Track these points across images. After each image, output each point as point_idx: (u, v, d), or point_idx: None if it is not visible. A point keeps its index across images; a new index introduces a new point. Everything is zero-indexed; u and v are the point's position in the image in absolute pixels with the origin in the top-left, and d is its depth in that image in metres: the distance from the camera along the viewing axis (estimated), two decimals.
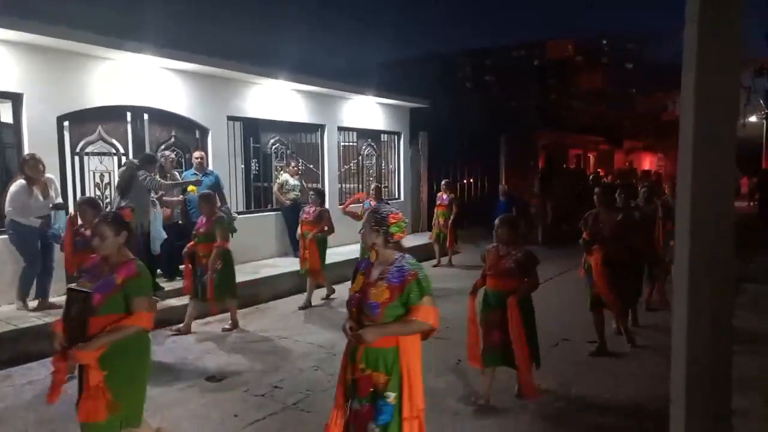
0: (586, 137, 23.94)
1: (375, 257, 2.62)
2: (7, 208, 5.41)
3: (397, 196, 12.13)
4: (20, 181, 5.41)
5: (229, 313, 6.01)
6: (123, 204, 6.05)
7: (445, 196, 9.69)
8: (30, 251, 5.53)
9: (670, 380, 2.02)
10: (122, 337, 2.68)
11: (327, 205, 10.01)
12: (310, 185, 9.91)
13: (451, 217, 9.52)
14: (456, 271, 9.38)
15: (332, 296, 7.20)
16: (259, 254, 8.52)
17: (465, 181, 14.48)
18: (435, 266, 9.57)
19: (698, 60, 1.73)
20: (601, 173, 21.39)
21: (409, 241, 10.79)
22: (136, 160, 6.36)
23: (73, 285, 2.88)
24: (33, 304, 5.64)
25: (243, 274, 7.47)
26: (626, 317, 5.38)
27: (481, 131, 15.14)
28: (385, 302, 2.45)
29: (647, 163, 30.29)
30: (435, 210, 9.80)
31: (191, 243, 5.77)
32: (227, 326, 5.93)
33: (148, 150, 6.98)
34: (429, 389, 4.28)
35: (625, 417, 3.87)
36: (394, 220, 2.58)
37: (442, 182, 10.28)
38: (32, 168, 5.45)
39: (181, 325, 5.78)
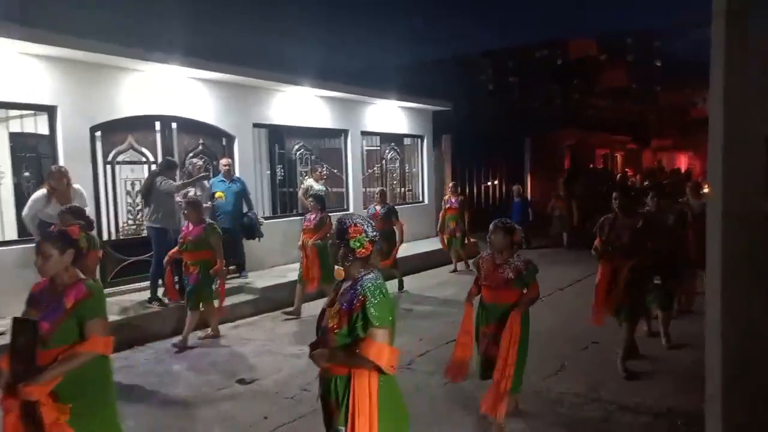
0: (612, 136, 23.55)
1: (343, 274, 2.35)
2: (24, 212, 5.59)
3: (421, 200, 12.12)
4: (42, 191, 5.57)
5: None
6: (147, 210, 6.20)
7: (454, 199, 9.37)
8: None
9: (701, 381, 1.98)
10: (76, 366, 2.36)
11: (352, 209, 10.18)
12: (334, 190, 10.01)
13: (466, 220, 9.26)
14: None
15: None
16: (285, 259, 8.61)
17: (490, 183, 14.39)
18: (452, 272, 9.33)
19: (726, 55, 1.70)
20: (629, 173, 21.00)
21: (434, 244, 10.78)
22: (157, 167, 6.53)
23: (18, 315, 2.56)
24: None
25: (269, 278, 7.58)
26: (635, 327, 4.86)
27: (505, 133, 15.04)
28: (333, 328, 2.21)
29: (678, 162, 29.60)
30: (442, 215, 9.44)
31: (175, 250, 5.63)
32: (203, 335, 5.81)
33: (176, 158, 7.14)
34: (459, 388, 4.29)
35: (656, 418, 3.79)
36: (354, 234, 2.27)
37: (449, 185, 9.98)
38: (56, 179, 5.60)
39: (205, 332, 5.84)
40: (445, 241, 9.36)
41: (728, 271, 1.76)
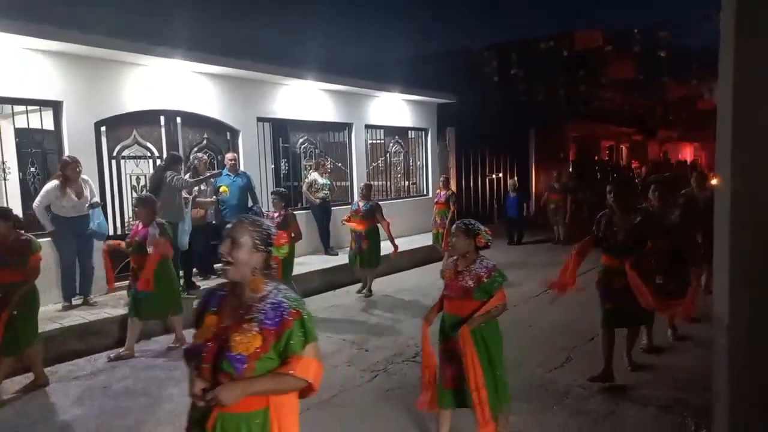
0: (617, 128, 23.40)
1: (246, 288, 1.92)
2: (35, 203, 5.65)
3: (425, 193, 12.10)
4: (54, 182, 5.61)
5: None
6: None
7: (442, 193, 9.06)
8: (63, 247, 5.78)
9: (708, 375, 1.97)
10: None
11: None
12: (338, 183, 10.00)
13: (449, 216, 8.80)
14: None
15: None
16: None
17: (494, 176, 14.34)
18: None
19: (736, 46, 1.68)
20: (635, 165, 20.88)
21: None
22: (163, 162, 6.54)
23: None
24: (77, 302, 5.88)
25: None
26: (636, 339, 4.56)
27: (510, 125, 14.96)
28: (256, 353, 1.80)
29: (684, 153, 29.42)
30: (434, 209, 9.20)
31: (115, 242, 5.22)
32: (172, 344, 5.34)
33: (181, 152, 7.15)
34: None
35: (665, 411, 3.79)
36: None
37: (440, 178, 9.77)
38: (72, 169, 5.68)
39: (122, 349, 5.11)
40: (433, 236, 9.22)
41: (736, 266, 1.75)
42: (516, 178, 12.06)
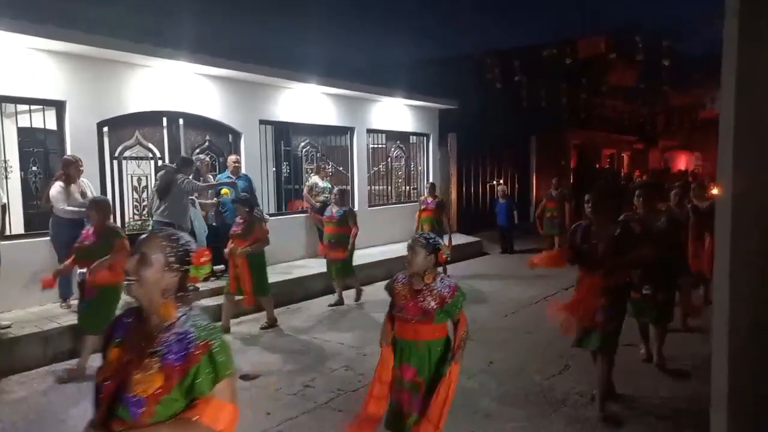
0: (619, 136, 23.44)
1: (152, 314, 1.64)
2: (54, 205, 5.57)
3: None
4: (59, 183, 5.58)
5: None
6: (159, 205, 6.23)
7: (430, 200, 8.61)
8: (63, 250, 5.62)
9: (708, 383, 1.97)
10: None
11: (357, 207, 10.18)
12: (339, 187, 10.00)
13: (444, 224, 8.57)
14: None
15: (268, 328, 6.07)
16: (290, 255, 8.64)
17: (495, 182, 14.35)
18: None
19: (739, 54, 1.68)
20: (636, 173, 20.90)
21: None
22: (174, 165, 6.54)
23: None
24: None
25: (275, 274, 7.57)
26: (612, 361, 3.92)
27: (512, 131, 14.98)
28: (157, 394, 1.52)
29: (683, 162, 29.45)
30: (417, 216, 8.69)
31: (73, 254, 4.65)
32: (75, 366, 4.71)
33: (183, 154, 7.16)
34: (461, 388, 4.29)
35: (663, 419, 3.78)
36: (200, 260, 1.70)
37: (426, 185, 9.39)
38: (75, 168, 5.67)
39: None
40: None
41: (737, 273, 1.75)
42: (504, 184, 11.74)
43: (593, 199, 3.93)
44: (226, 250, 5.89)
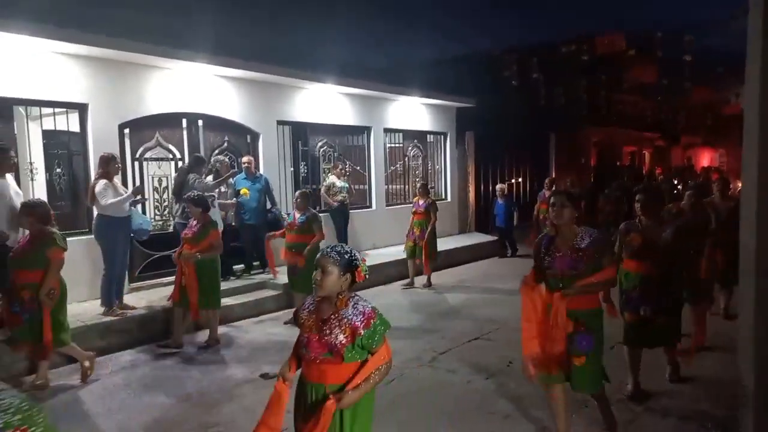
0: (640, 133, 23.08)
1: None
2: (102, 203, 5.49)
3: (444, 197, 12.07)
4: (103, 181, 5.56)
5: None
6: (177, 207, 6.29)
7: (421, 202, 8.03)
8: (115, 249, 5.61)
9: (733, 386, 1.92)
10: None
11: (374, 206, 10.19)
12: (357, 186, 10.03)
13: (429, 228, 7.91)
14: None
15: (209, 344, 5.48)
16: None
17: (513, 181, 14.24)
18: (406, 287, 8.01)
19: (764, 48, 1.63)
20: (658, 171, 20.56)
21: (458, 241, 10.75)
22: (186, 164, 6.62)
23: None
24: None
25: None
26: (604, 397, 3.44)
27: (530, 129, 14.85)
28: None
29: (706, 159, 28.88)
30: (411, 220, 8.12)
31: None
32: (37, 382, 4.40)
33: (202, 154, 7.24)
34: (477, 390, 4.27)
35: (686, 421, 3.70)
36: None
37: (417, 185, 8.77)
38: (114, 165, 5.69)
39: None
40: (407, 249, 8.10)
41: (763, 273, 1.71)
42: (503, 184, 10.98)
43: (556, 201, 3.22)
44: (174, 255, 5.40)
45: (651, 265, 3.91)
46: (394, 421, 3.79)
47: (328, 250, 2.31)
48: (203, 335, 5.69)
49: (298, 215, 6.12)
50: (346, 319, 2.24)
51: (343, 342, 2.20)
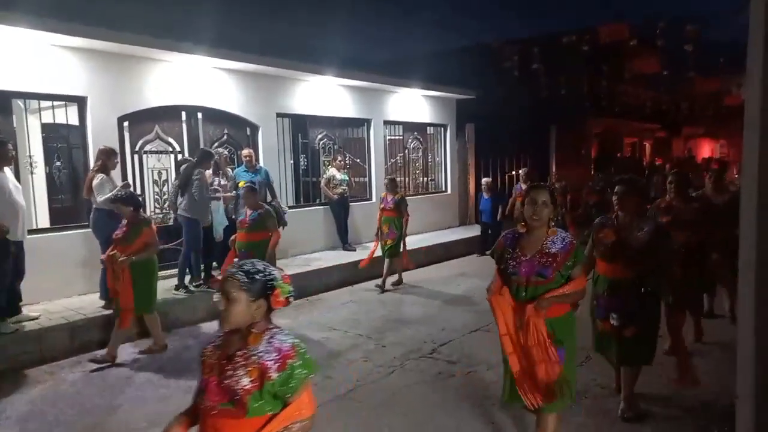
0: (641, 124, 22.99)
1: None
2: (98, 199, 5.53)
3: (443, 189, 12.06)
4: (101, 175, 5.60)
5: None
6: (181, 200, 6.30)
7: (390, 198, 7.37)
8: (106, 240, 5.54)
9: (734, 377, 1.93)
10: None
11: (374, 199, 10.19)
12: (357, 179, 10.02)
13: (404, 226, 7.36)
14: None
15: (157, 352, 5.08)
16: (309, 247, 8.69)
17: (514, 173, 14.21)
18: (378, 289, 7.32)
19: (766, 39, 1.63)
20: (658, 162, 20.51)
21: (457, 234, 10.75)
22: (193, 158, 6.61)
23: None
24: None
25: (293, 266, 7.67)
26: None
27: (530, 121, 14.80)
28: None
29: (707, 150, 28.81)
30: (378, 216, 7.48)
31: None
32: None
33: (203, 147, 7.23)
34: (478, 381, 4.29)
35: (686, 413, 3.72)
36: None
37: (384, 180, 8.14)
38: (113, 159, 5.74)
39: None
40: (382, 249, 7.44)
41: (763, 265, 1.70)
42: (488, 179, 10.39)
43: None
44: (103, 257, 4.99)
45: (622, 267, 3.42)
46: (395, 412, 3.82)
47: (234, 270, 1.81)
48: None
49: (249, 212, 5.67)
50: (254, 358, 1.74)
51: (247, 387, 1.71)
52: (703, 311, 5.10)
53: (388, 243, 7.32)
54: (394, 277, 7.62)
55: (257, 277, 1.81)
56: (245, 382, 1.73)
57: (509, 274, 2.76)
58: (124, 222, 4.90)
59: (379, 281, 7.41)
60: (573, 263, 2.71)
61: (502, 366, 2.92)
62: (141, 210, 5.06)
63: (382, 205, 7.47)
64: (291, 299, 1.88)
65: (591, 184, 11.47)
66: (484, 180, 10.19)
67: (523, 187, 9.29)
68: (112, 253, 4.79)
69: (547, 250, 2.71)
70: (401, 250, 7.44)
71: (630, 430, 3.53)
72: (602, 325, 3.57)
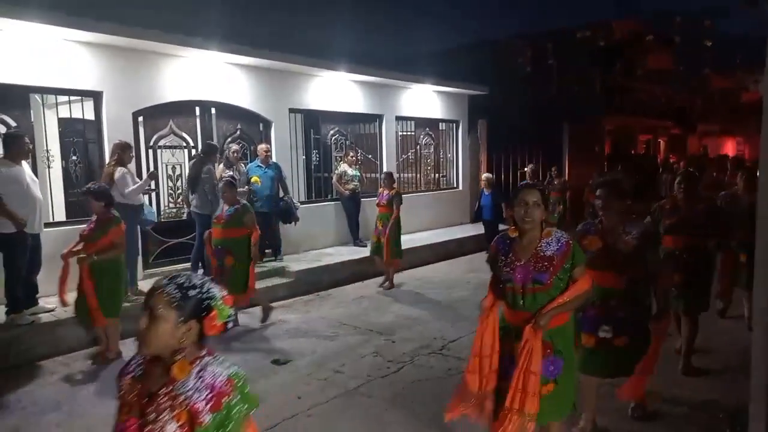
0: (655, 122, 22.75)
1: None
2: (124, 191, 5.59)
3: (455, 186, 12.03)
4: (121, 169, 5.68)
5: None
6: (193, 196, 6.35)
7: (385, 193, 7.09)
8: (132, 236, 5.70)
9: (746, 377, 1.92)
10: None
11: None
12: (369, 175, 10.03)
13: (390, 222, 6.95)
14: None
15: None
16: (320, 243, 8.73)
17: (527, 169, 14.13)
18: (382, 286, 7.21)
19: None
20: (673, 159, 20.28)
21: (468, 230, 10.72)
22: (199, 153, 6.66)
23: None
24: None
25: (305, 262, 7.71)
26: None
27: (543, 117, 14.70)
28: None
29: (723, 148, 28.41)
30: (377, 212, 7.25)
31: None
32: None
33: (215, 142, 7.29)
34: None
35: (696, 410, 3.70)
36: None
37: (381, 175, 7.73)
38: (129, 153, 5.83)
39: None
40: (372, 245, 7.29)
41: None
42: (490, 174, 9.99)
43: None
44: (65, 251, 4.65)
45: (613, 277, 3.11)
46: (405, 409, 3.83)
47: (165, 282, 1.50)
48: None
49: (226, 207, 5.46)
50: (182, 398, 1.45)
51: None
52: (698, 315, 4.46)
53: (380, 240, 7.03)
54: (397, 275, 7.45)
55: (191, 293, 1.48)
56: (172, 428, 1.42)
57: (504, 281, 2.56)
58: (93, 218, 4.63)
59: (386, 284, 7.25)
60: (572, 265, 2.49)
61: None
62: (112, 207, 4.71)
63: (377, 201, 7.23)
64: (229, 324, 1.54)
65: (592, 183, 11.20)
66: (484, 176, 9.78)
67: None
68: (76, 249, 4.47)
69: (542, 254, 2.51)
70: (394, 248, 7.09)
71: (640, 428, 3.52)
72: (587, 340, 3.18)
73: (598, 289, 3.00)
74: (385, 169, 10.12)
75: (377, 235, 7.13)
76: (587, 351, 3.18)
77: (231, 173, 6.98)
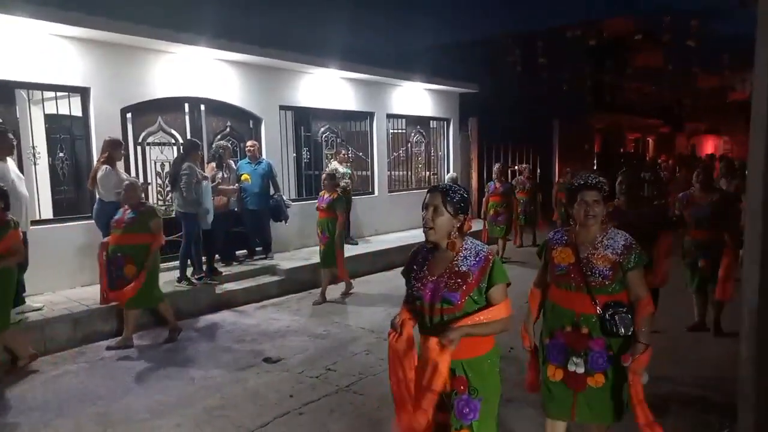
0: (644, 120, 22.92)
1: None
2: (102, 191, 5.58)
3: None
4: (105, 167, 5.62)
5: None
6: (174, 196, 6.28)
7: (326, 197, 6.40)
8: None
9: (735, 373, 1.94)
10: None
11: (377, 193, 10.18)
12: (359, 173, 10.01)
13: (337, 231, 6.38)
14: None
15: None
16: (311, 241, 8.66)
17: (517, 167, 14.19)
18: (318, 303, 6.51)
19: None
20: (662, 158, 20.45)
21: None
22: (182, 151, 6.59)
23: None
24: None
25: (295, 260, 7.68)
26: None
27: (534, 115, 14.77)
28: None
29: (710, 147, 28.71)
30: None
31: None
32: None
33: (204, 139, 7.22)
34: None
35: (686, 408, 3.73)
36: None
37: (323, 176, 6.75)
38: (119, 150, 5.76)
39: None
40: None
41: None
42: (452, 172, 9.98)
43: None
44: None
45: (586, 300, 2.55)
46: None
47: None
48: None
49: (127, 211, 4.98)
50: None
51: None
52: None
53: (321, 248, 6.45)
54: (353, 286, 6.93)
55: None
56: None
57: (414, 298, 2.22)
58: None
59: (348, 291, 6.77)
60: (488, 285, 2.12)
61: (504, 360, 2.66)
62: (8, 210, 4.30)
63: (317, 205, 6.51)
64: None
65: (561, 182, 10.79)
66: (448, 176, 9.47)
67: (498, 186, 8.66)
68: None
69: (456, 269, 2.14)
70: (337, 257, 6.42)
71: (630, 424, 3.54)
72: (554, 372, 2.63)
73: (565, 313, 2.61)
74: (376, 167, 10.14)
75: (321, 243, 6.45)
76: (553, 387, 2.64)
77: (221, 172, 6.93)
